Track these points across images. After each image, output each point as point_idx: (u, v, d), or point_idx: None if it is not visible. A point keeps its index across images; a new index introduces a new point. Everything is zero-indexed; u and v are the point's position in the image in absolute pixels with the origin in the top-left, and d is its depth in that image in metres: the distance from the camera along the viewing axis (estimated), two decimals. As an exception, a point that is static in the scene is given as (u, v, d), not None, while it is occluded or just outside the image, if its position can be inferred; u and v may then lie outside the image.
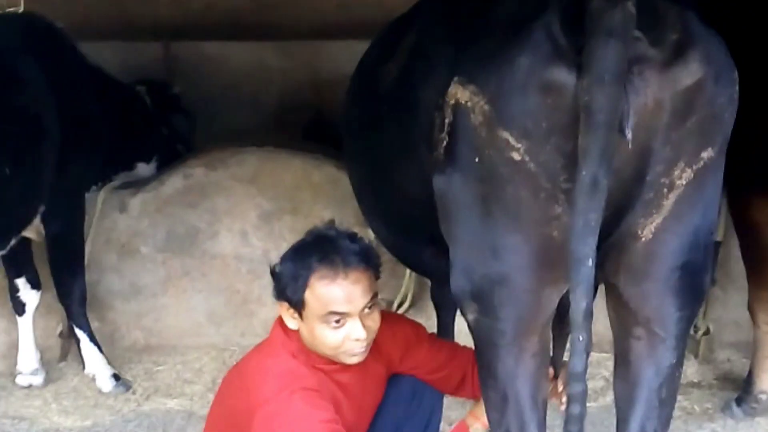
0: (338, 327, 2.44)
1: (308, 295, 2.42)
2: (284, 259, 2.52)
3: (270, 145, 4.50)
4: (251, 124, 5.40)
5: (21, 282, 4.01)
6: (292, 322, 2.50)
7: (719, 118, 1.91)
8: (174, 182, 4.44)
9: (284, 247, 4.50)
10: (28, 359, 4.06)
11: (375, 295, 2.50)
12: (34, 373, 4.06)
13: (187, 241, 4.41)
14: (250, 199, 4.42)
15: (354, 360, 2.51)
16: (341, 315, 2.43)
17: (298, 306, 2.45)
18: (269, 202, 4.41)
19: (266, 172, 4.43)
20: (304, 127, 5.34)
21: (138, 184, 4.44)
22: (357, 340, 2.46)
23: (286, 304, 2.49)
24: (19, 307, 4.04)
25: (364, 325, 2.45)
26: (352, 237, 2.53)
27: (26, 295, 4.02)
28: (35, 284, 4.03)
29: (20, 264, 3.98)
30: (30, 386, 4.03)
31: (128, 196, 4.40)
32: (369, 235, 3.63)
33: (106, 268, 4.34)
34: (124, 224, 4.39)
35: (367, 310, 2.46)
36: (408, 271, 4.19)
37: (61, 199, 3.76)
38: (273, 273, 2.52)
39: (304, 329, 2.49)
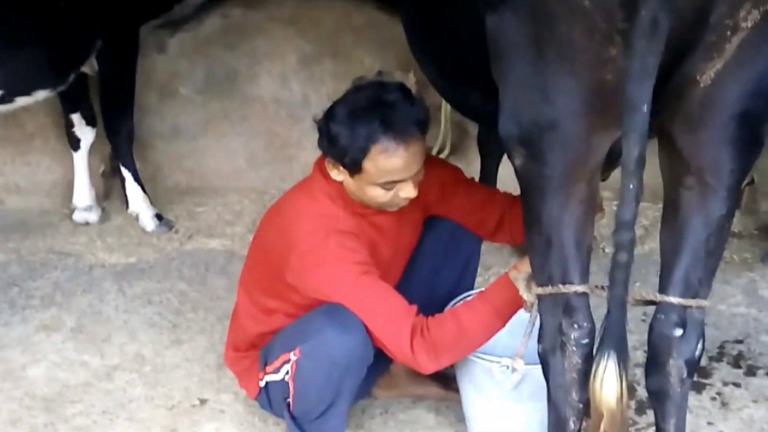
0: (390, 188, 2.45)
1: (367, 163, 2.39)
2: (338, 120, 2.41)
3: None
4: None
5: (76, 117, 4.03)
6: (338, 175, 2.48)
7: (793, -45, 1.78)
8: (212, 22, 4.36)
9: (324, 91, 4.42)
10: (83, 195, 4.13)
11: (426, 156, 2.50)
12: (87, 209, 4.13)
13: (226, 83, 4.38)
14: (289, 42, 4.34)
15: (395, 209, 2.55)
16: (397, 182, 2.43)
17: (354, 170, 2.42)
18: (309, 44, 4.33)
19: (306, 13, 4.33)
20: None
21: (175, 24, 4.36)
22: (406, 198, 2.48)
23: (335, 161, 2.47)
24: (75, 143, 4.08)
25: (414, 184, 2.46)
26: (410, 99, 2.45)
27: (81, 131, 4.05)
28: (90, 120, 4.05)
29: (76, 99, 3.99)
30: (87, 223, 4.10)
31: (166, 35, 4.33)
32: (410, 79, 3.55)
33: (146, 109, 4.34)
34: (162, 65, 4.36)
35: None
36: (444, 117, 4.13)
37: (116, 34, 3.72)
38: (326, 133, 2.43)
39: (351, 184, 2.48)
